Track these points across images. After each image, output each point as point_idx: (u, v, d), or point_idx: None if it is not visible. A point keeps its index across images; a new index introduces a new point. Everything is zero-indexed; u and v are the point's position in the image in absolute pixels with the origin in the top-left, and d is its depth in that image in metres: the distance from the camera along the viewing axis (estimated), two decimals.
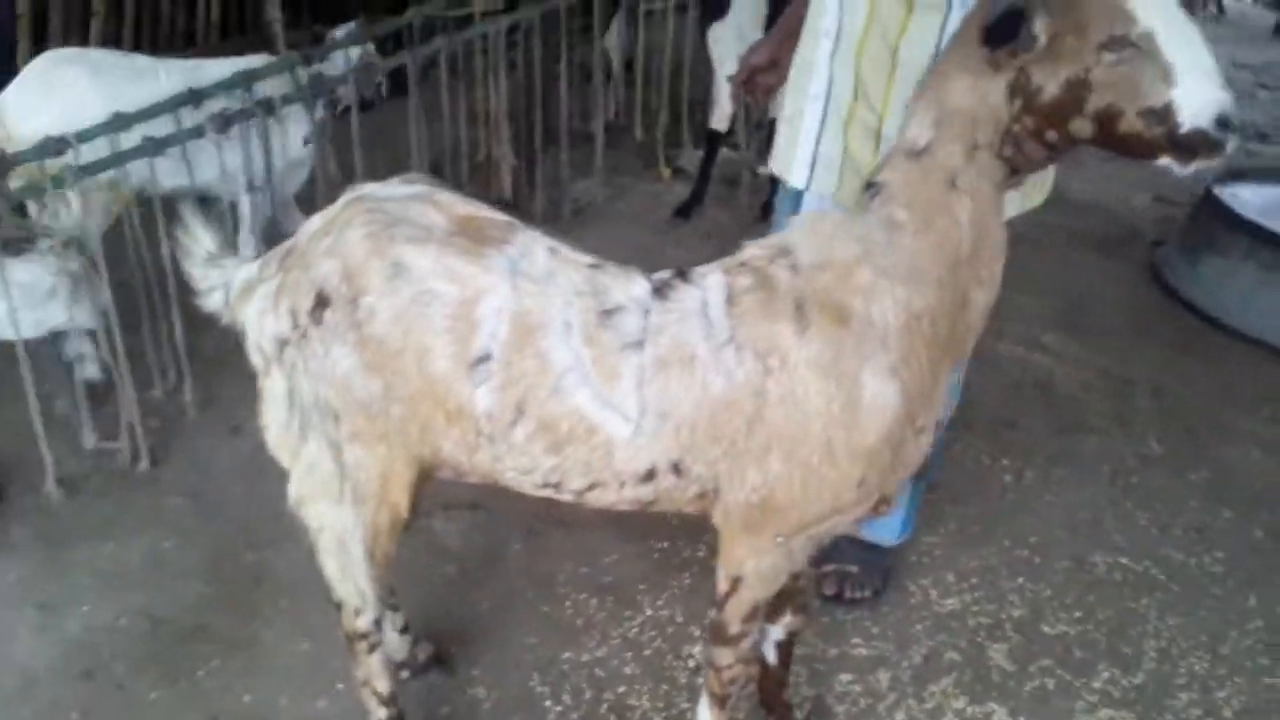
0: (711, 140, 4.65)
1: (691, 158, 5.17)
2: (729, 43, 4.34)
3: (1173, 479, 2.97)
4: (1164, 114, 1.36)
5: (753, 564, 1.72)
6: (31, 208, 2.76)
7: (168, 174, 2.88)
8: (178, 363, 3.05)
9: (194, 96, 2.95)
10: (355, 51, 3.58)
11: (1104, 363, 3.56)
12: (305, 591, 2.36)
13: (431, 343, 1.60)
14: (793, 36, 2.12)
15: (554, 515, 2.66)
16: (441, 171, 4.06)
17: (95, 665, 2.24)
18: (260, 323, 1.71)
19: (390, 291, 1.59)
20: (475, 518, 2.69)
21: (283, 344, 1.69)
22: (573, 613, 2.42)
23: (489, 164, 4.51)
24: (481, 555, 2.60)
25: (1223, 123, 1.35)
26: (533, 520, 2.66)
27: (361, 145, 3.44)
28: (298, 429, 1.74)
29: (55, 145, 2.62)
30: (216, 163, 2.98)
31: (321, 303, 1.62)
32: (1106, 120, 1.40)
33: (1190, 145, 1.37)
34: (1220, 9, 10.27)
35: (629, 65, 5.64)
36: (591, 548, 2.60)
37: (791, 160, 2.11)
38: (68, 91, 2.94)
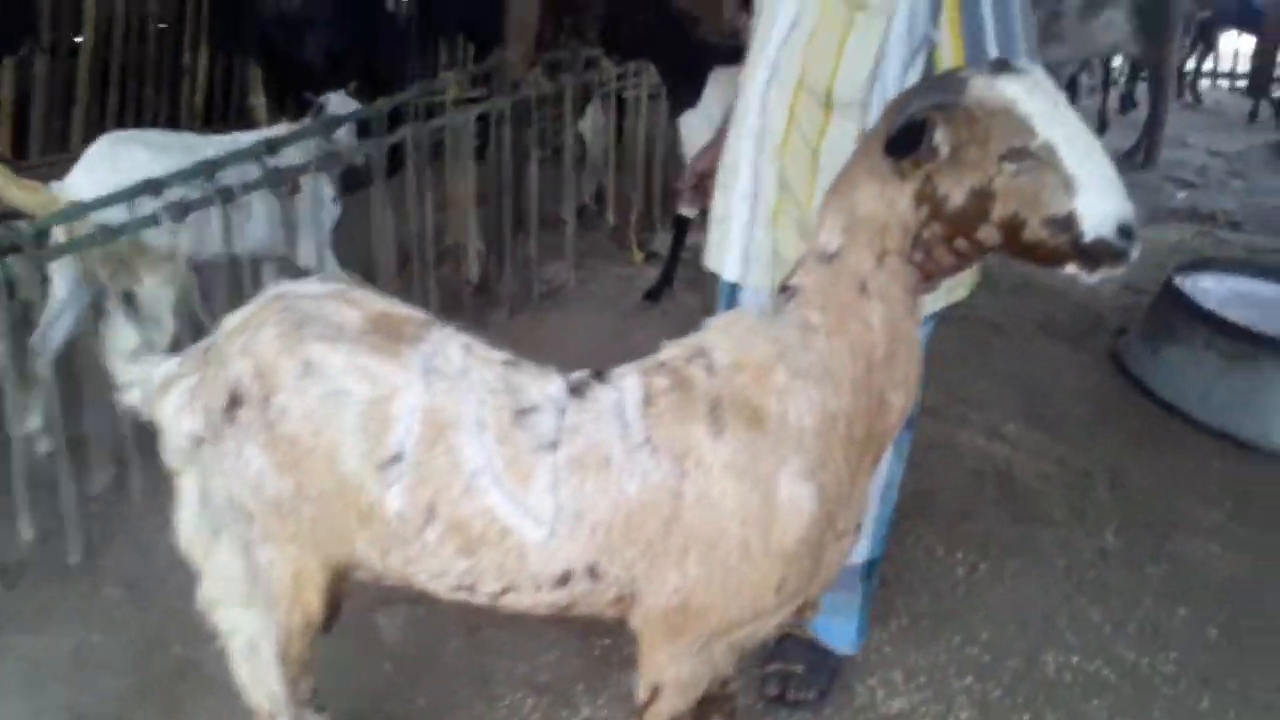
0: (680, 225, 4.69)
1: (664, 242, 5.21)
2: (700, 131, 4.38)
3: (1129, 574, 2.93)
4: (1067, 223, 1.38)
5: (673, 671, 1.68)
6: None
7: (212, 243, 3.11)
8: (123, 448, 3.01)
9: (210, 166, 3.07)
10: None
11: (1063, 452, 3.54)
12: (231, 689, 2.29)
13: (342, 442, 1.58)
14: None
15: (495, 611, 2.60)
16: (409, 257, 4.07)
17: None
18: (177, 420, 1.70)
19: (301, 390, 1.57)
20: (414, 613, 2.63)
21: (197, 442, 1.67)
22: (508, 712, 2.35)
23: (456, 249, 4.54)
24: (419, 652, 2.53)
25: (1125, 232, 1.38)
26: (473, 616, 2.60)
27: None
28: (209, 530, 1.72)
29: (76, 211, 2.79)
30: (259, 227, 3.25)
31: (235, 401, 1.61)
32: (1012, 229, 1.42)
33: (1094, 254, 1.39)
34: (1197, 97, 10.46)
35: (604, 151, 5.71)
36: (532, 644, 2.54)
37: (724, 256, 2.12)
38: (132, 169, 3.04)
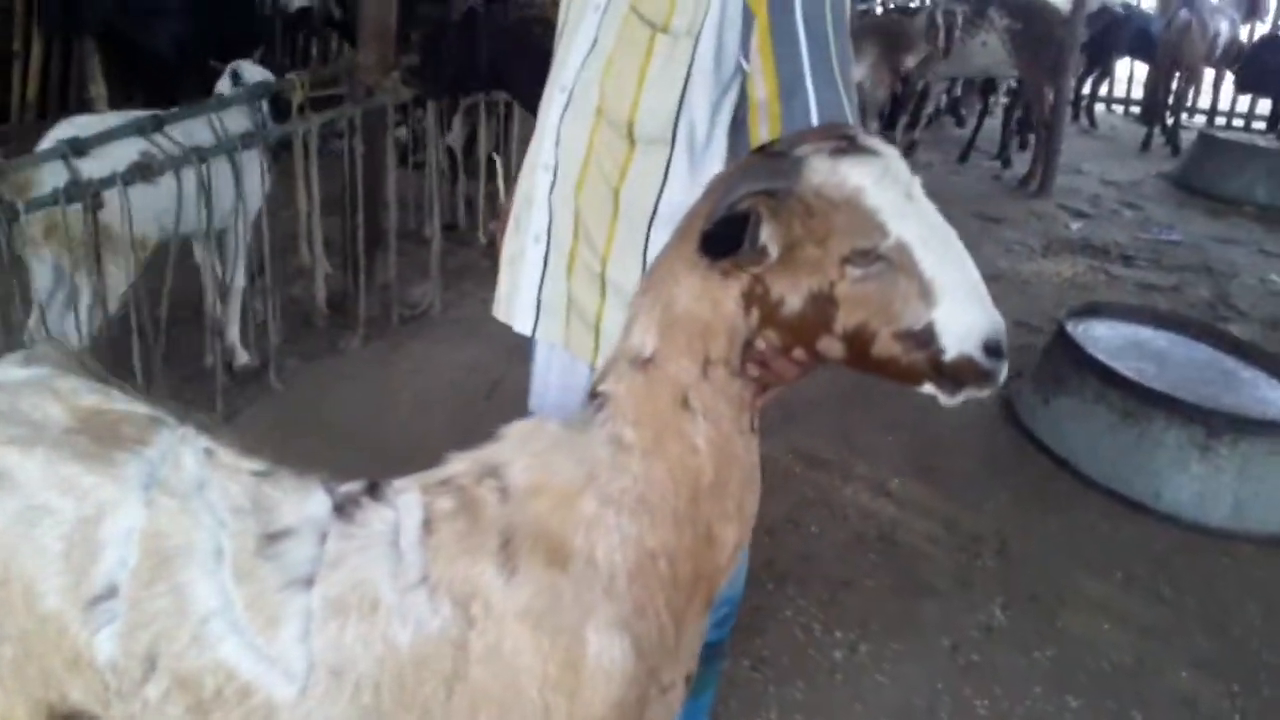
0: None
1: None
2: None
3: (1016, 656, 2.71)
4: (924, 338, 1.12)
5: None
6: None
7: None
8: None
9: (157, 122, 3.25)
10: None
11: (952, 512, 3.32)
12: None
13: (40, 573, 1.24)
14: None
15: None
16: (260, 274, 3.69)
17: None
18: None
19: None
20: None
21: None
22: None
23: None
24: None
25: (993, 350, 1.12)
26: None
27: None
28: None
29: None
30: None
31: None
32: (859, 341, 1.15)
33: (956, 374, 1.14)
34: (1092, 121, 10.54)
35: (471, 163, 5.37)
36: None
37: (514, 305, 1.82)
38: None
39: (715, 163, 1.63)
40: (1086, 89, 10.55)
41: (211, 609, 1.22)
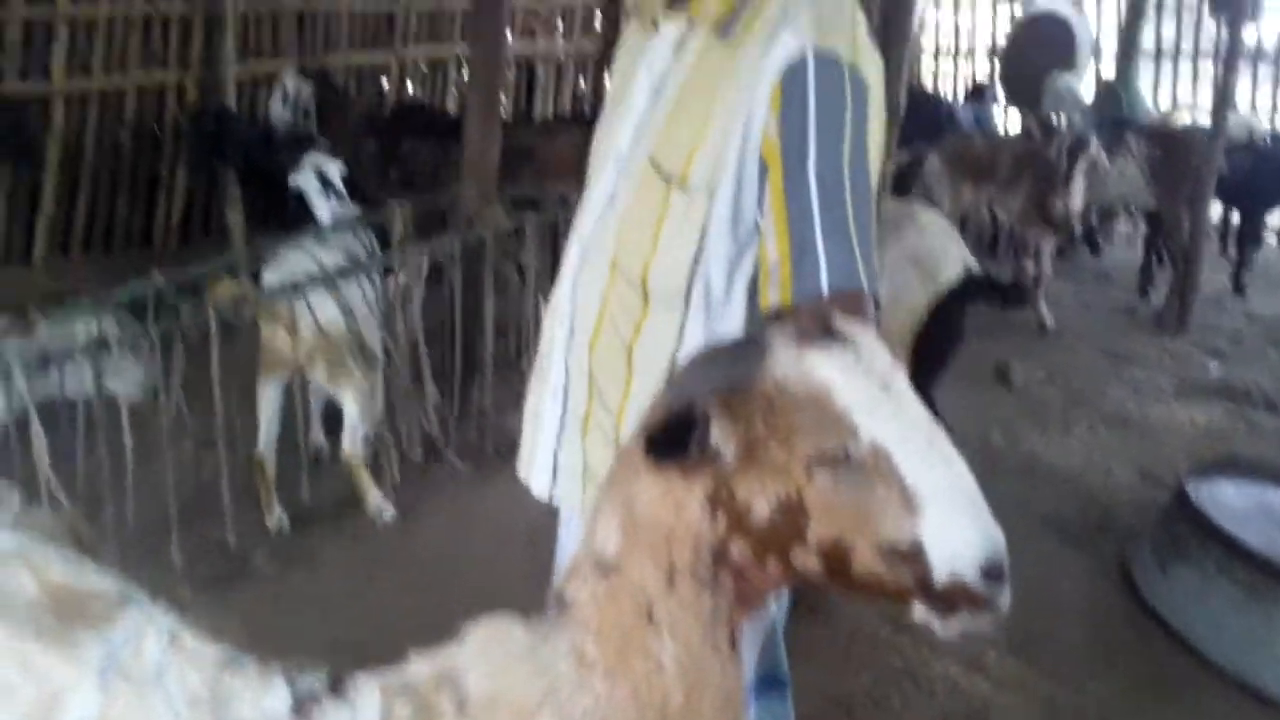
0: None
1: None
2: None
3: None
4: (910, 555, 0.99)
5: None
6: None
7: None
8: None
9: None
10: None
11: (1050, 691, 3.03)
12: None
13: None
14: None
15: None
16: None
17: None
18: None
19: None
20: None
21: None
22: None
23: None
24: None
25: (991, 573, 0.98)
26: None
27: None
28: None
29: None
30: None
31: None
32: (835, 556, 1.03)
33: (947, 599, 1.00)
34: (1094, 248, 9.78)
35: None
36: None
37: (533, 464, 1.74)
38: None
39: (733, 324, 1.55)
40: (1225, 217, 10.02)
41: None
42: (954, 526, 0.99)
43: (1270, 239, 10.53)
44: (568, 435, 1.69)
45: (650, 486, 1.10)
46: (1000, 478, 4.32)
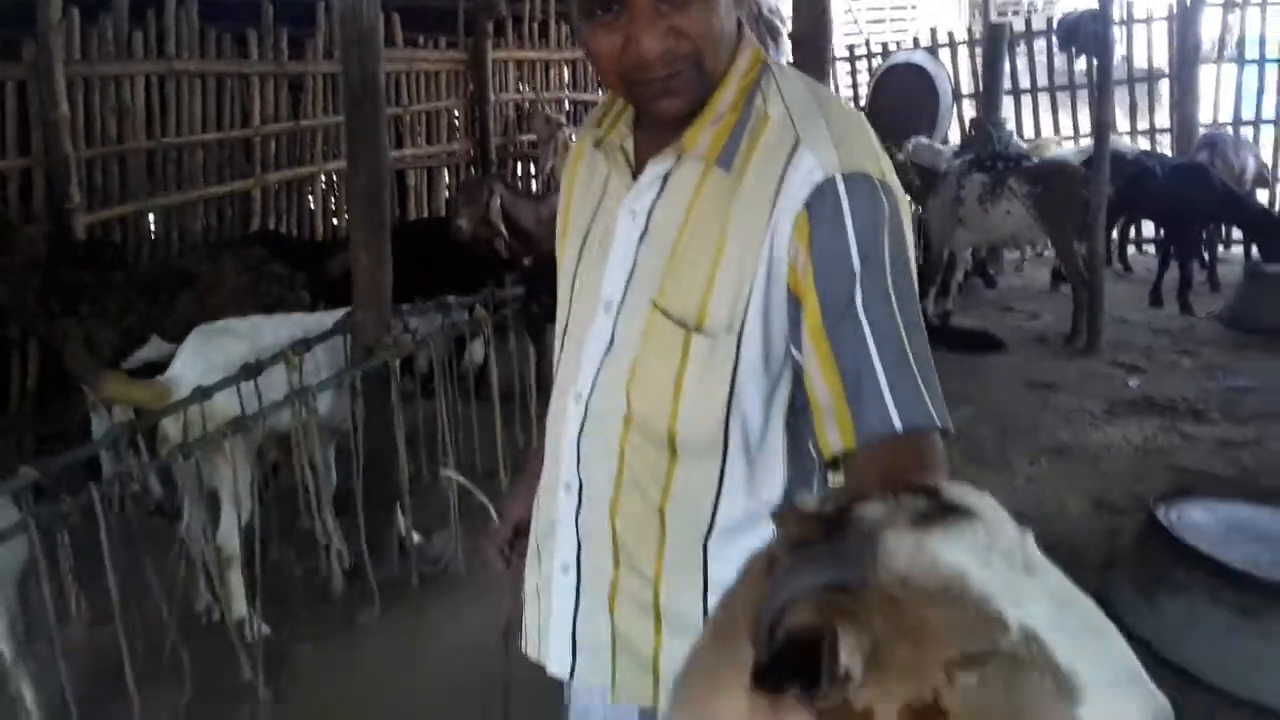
0: None
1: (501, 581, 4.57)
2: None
3: None
4: None
5: None
6: None
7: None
8: None
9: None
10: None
11: None
12: None
13: None
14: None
15: None
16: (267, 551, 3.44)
17: None
18: None
19: None
20: None
21: None
22: None
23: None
24: None
25: None
26: None
27: None
28: None
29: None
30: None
31: None
32: None
33: None
34: (1126, 266, 10.31)
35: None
36: None
37: (546, 643, 1.51)
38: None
39: (775, 458, 1.35)
40: (1115, 234, 10.38)
41: None
42: (1119, 707, 0.80)
43: (1149, 249, 11.02)
44: (587, 609, 1.47)
45: (738, 703, 0.88)
46: None
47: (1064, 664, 0.77)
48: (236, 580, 3.43)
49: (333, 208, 8.69)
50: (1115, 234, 10.35)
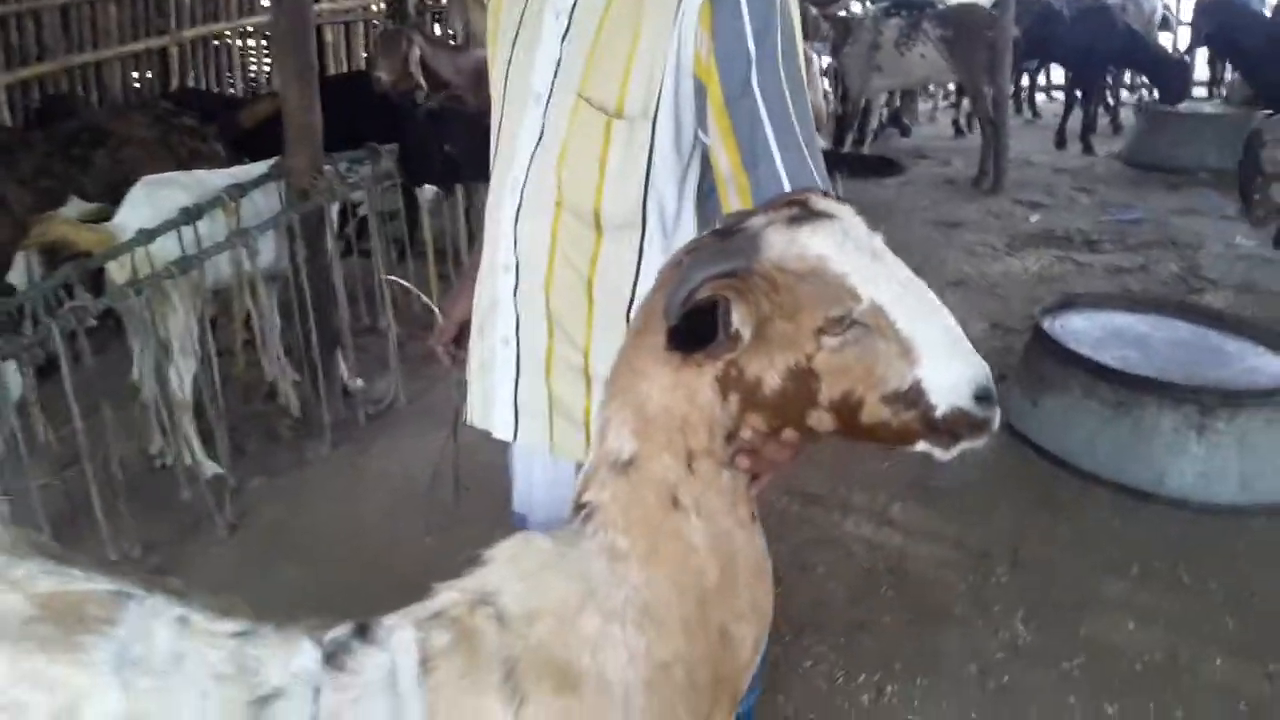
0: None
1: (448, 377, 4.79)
2: None
3: (1046, 671, 2.64)
4: (912, 397, 1.08)
5: None
6: None
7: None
8: None
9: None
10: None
11: (957, 532, 3.25)
12: None
13: None
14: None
15: None
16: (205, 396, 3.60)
17: None
18: None
19: None
20: None
21: None
22: None
23: (271, 384, 4.10)
24: None
25: (983, 396, 1.09)
26: None
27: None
28: None
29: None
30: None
31: None
32: (846, 410, 1.10)
33: (950, 428, 1.10)
34: (1035, 112, 10.65)
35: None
36: None
37: (490, 411, 1.75)
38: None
39: (687, 236, 1.58)
40: (1025, 80, 10.67)
41: None
42: (948, 365, 1.08)
43: (1058, 95, 11.32)
44: (527, 377, 1.70)
45: (659, 383, 1.14)
46: None
47: (904, 332, 1.06)
48: (189, 425, 3.59)
49: (251, 66, 8.52)
50: (1025, 80, 10.68)
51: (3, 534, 1.39)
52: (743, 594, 1.20)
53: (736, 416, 1.14)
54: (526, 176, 1.62)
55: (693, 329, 1.08)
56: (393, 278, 3.65)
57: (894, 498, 3.45)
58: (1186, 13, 10.98)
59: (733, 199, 1.49)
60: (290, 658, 1.21)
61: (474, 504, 2.25)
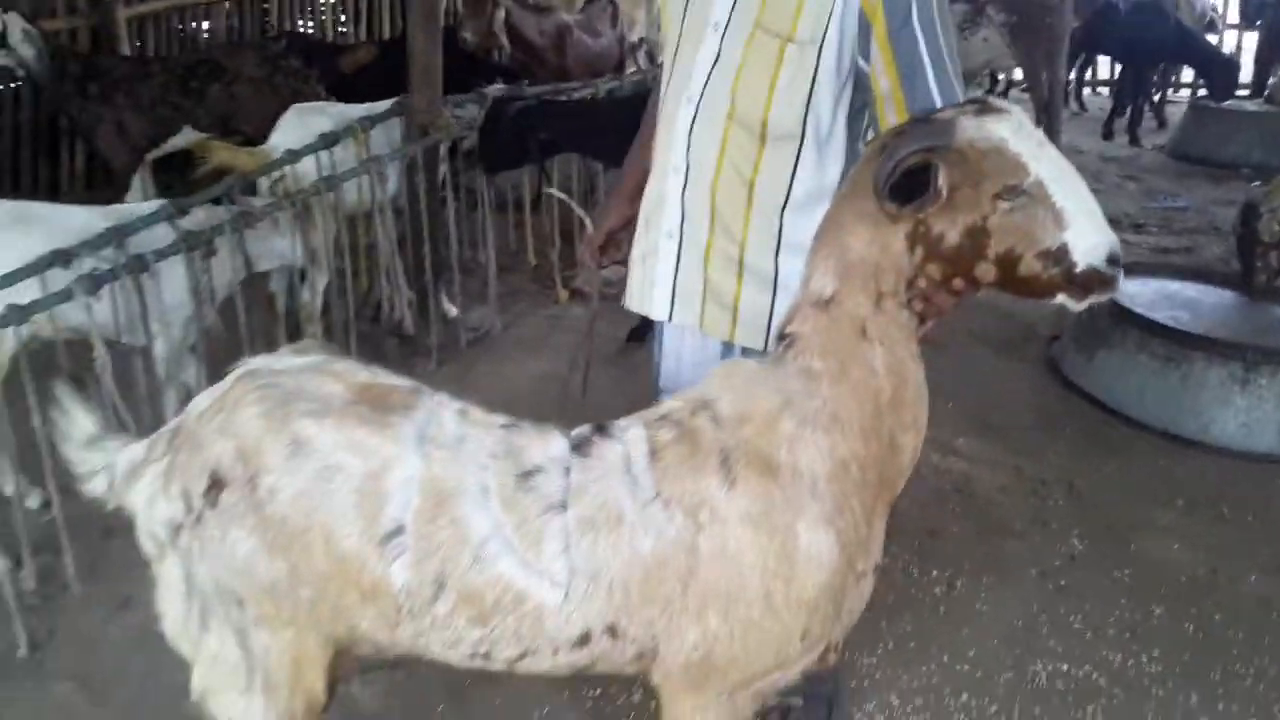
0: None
1: (589, 278, 5.17)
2: None
3: (1100, 577, 2.97)
4: (1059, 255, 1.41)
5: None
6: None
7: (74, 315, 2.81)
8: (56, 533, 2.83)
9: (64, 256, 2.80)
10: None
11: (1017, 462, 3.59)
12: None
13: (339, 519, 1.50)
14: (636, 194, 2.14)
15: (480, 671, 2.53)
16: (329, 310, 3.96)
17: None
18: (150, 507, 1.59)
19: (291, 470, 1.49)
20: (395, 679, 2.53)
21: (176, 529, 1.56)
22: None
23: (385, 300, 4.44)
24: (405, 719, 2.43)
25: (1113, 260, 1.42)
26: (456, 679, 2.51)
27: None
28: (198, 617, 1.60)
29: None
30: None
31: (216, 484, 1.51)
32: (1007, 264, 1.43)
33: (1085, 283, 1.42)
34: (1081, 105, 10.89)
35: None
36: (521, 702, 2.46)
37: (650, 296, 2.08)
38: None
39: (838, 148, 1.90)
40: (1073, 74, 10.89)
41: (486, 535, 1.48)
42: (1090, 232, 1.41)
43: (1103, 91, 11.54)
44: (686, 266, 2.03)
45: (861, 237, 1.48)
46: None
47: (1059, 203, 1.38)
48: (317, 333, 3.96)
49: (341, 17, 8.82)
50: (1073, 75, 10.89)
51: (323, 349, 1.72)
52: (908, 411, 1.53)
53: (918, 266, 1.47)
54: (702, 93, 1.94)
55: (909, 189, 1.40)
56: (552, 190, 3.98)
57: (958, 433, 3.77)
58: (1233, 15, 11.22)
59: (890, 114, 1.82)
60: (547, 445, 1.56)
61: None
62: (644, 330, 4.39)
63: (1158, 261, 5.31)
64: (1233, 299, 4.27)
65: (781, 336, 1.56)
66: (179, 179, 5.14)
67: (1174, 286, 4.36)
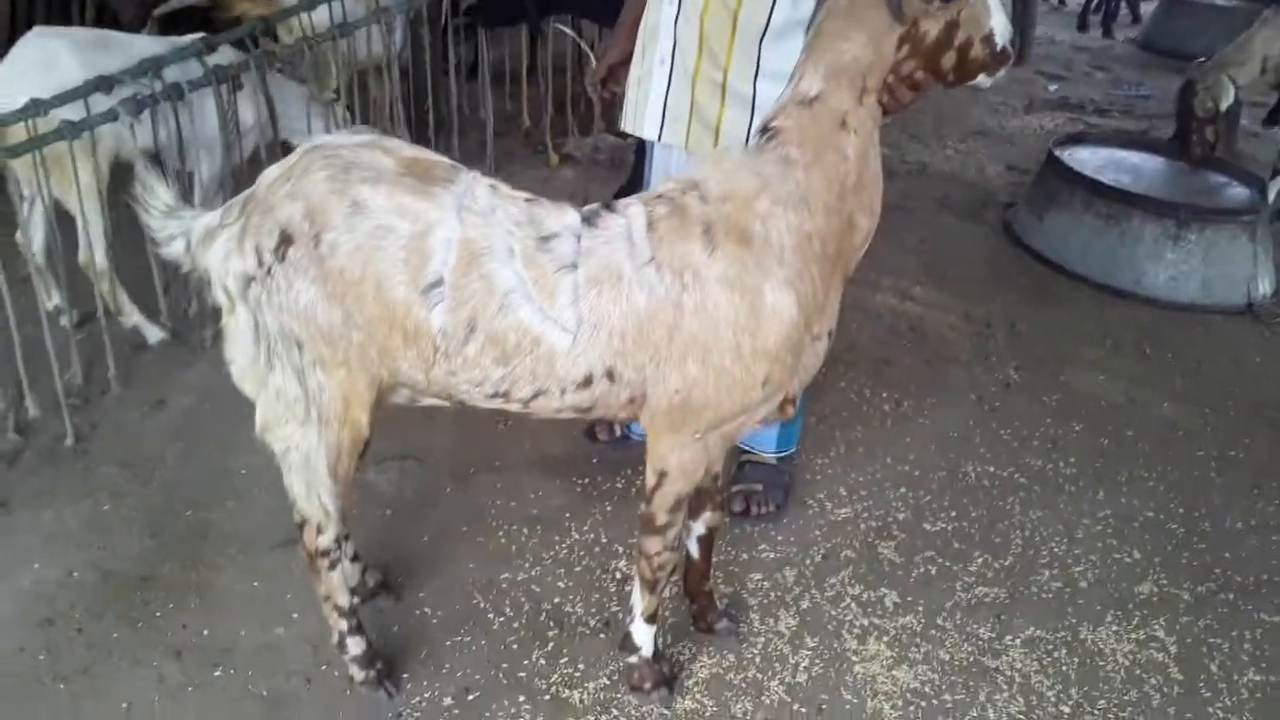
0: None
1: (579, 144, 5.42)
2: None
3: (1030, 401, 3.35)
4: (989, 39, 1.77)
5: (675, 458, 1.96)
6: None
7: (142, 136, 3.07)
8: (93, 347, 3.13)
9: (155, 64, 3.10)
10: None
11: (966, 308, 3.94)
12: (252, 541, 2.55)
13: (389, 272, 1.78)
14: (635, 30, 2.42)
15: (481, 461, 2.89)
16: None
17: (53, 613, 2.34)
18: (225, 264, 1.87)
19: (350, 228, 1.77)
20: (405, 467, 2.88)
21: (248, 281, 1.85)
22: (506, 540, 2.63)
23: None
24: (415, 499, 2.78)
25: (1011, 41, 1.80)
26: (461, 466, 2.87)
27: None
28: (264, 359, 1.90)
29: (37, 108, 2.84)
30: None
31: (286, 240, 1.80)
32: (964, 49, 1.77)
33: (1000, 59, 1.80)
34: (1062, 0, 11.01)
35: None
36: (518, 486, 2.82)
37: (643, 117, 2.38)
38: (55, 62, 3.14)
39: None
40: None
41: (511, 287, 1.79)
42: (1002, 20, 1.75)
43: None
44: (675, 88, 2.32)
45: (858, 41, 1.76)
46: (898, 178, 5.20)
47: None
48: None
49: None
50: None
51: (368, 130, 1.99)
52: (867, 194, 1.85)
53: (899, 62, 1.77)
54: None
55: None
56: (561, 26, 4.21)
57: (914, 282, 4.12)
58: None
59: None
60: (562, 216, 1.86)
61: None
62: (629, 193, 4.70)
63: (1111, 131, 5.63)
64: (1172, 167, 4.62)
65: (764, 130, 1.86)
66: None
67: (1121, 154, 4.70)
